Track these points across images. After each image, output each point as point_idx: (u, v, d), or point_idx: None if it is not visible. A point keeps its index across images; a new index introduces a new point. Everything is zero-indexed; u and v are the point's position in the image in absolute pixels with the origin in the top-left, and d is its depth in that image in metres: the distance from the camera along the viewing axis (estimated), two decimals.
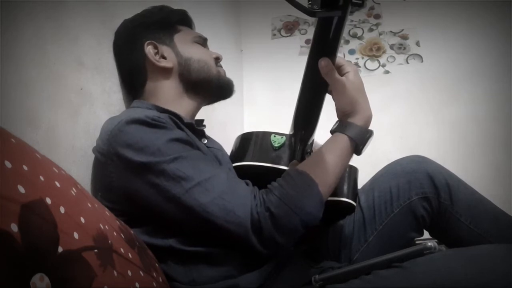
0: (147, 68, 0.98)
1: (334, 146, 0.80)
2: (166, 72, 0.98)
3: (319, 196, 0.74)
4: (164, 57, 0.98)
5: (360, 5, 0.62)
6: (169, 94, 0.97)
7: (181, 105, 0.97)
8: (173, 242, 0.75)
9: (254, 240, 0.70)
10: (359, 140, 0.79)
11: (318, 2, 0.60)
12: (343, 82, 0.76)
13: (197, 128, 0.95)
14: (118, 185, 0.77)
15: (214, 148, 0.97)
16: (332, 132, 0.82)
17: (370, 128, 0.82)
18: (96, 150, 0.81)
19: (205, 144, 0.95)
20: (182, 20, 1.06)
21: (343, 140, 0.79)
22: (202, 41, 1.05)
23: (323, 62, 0.72)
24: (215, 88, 1.01)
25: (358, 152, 0.81)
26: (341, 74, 0.77)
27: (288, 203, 0.71)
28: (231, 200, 0.71)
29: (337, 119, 0.83)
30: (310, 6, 0.60)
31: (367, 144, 0.81)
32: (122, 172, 0.75)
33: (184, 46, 1.00)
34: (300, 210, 0.71)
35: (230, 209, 0.70)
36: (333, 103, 0.81)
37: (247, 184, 0.78)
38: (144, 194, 0.74)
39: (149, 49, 0.97)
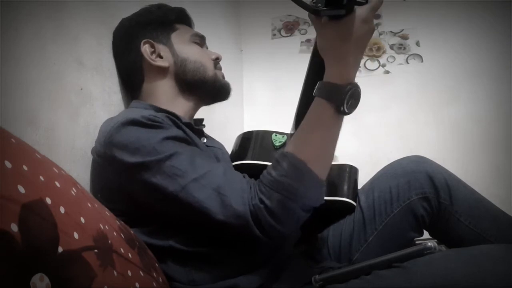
0: (143, 68, 0.98)
1: (314, 114, 0.71)
2: (162, 71, 0.97)
3: (311, 175, 0.69)
4: (160, 56, 0.98)
5: (364, 4, 0.63)
6: (165, 94, 0.97)
7: (178, 105, 0.96)
8: (173, 242, 0.75)
9: (256, 231, 0.68)
10: (335, 101, 0.67)
11: (323, 0, 0.60)
12: (324, 27, 0.66)
13: (195, 128, 0.94)
14: (117, 186, 0.77)
15: (214, 147, 0.97)
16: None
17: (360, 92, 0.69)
18: (94, 151, 0.81)
19: (204, 143, 0.95)
20: (180, 18, 1.05)
21: (321, 104, 0.69)
22: (200, 40, 1.04)
23: None
24: (210, 90, 1.00)
25: (342, 113, 0.68)
26: None
27: (279, 191, 0.68)
28: (228, 194, 0.70)
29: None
30: (314, 4, 0.60)
31: (349, 102, 0.67)
32: (120, 174, 0.75)
33: (181, 46, 0.99)
34: (294, 195, 0.68)
35: (227, 203, 0.69)
36: None
37: (244, 177, 0.76)
38: (143, 194, 0.74)
39: (145, 48, 0.97)
